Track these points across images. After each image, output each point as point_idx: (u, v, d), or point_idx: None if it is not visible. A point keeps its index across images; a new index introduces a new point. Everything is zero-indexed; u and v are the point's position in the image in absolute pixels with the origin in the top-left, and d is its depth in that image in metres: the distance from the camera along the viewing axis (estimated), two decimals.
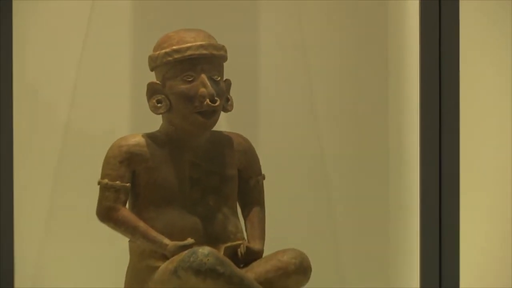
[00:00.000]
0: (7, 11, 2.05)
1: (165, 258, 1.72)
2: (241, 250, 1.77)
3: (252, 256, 1.76)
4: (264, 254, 1.82)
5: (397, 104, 2.35)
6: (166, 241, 1.71)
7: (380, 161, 2.35)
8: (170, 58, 1.72)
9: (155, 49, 1.75)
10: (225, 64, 1.81)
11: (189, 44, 1.71)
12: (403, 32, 2.31)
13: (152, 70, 1.77)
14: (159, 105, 1.74)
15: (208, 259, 1.64)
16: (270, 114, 2.28)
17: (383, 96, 2.36)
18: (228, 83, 1.77)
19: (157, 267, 1.71)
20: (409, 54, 2.26)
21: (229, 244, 1.77)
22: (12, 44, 1.98)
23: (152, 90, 1.73)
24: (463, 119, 2.07)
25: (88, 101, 2.21)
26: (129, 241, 1.78)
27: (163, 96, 1.73)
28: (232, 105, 1.78)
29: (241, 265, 1.76)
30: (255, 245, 1.78)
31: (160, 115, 1.78)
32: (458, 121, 2.06)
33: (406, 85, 2.30)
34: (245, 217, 1.83)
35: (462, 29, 2.20)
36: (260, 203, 1.84)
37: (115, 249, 1.96)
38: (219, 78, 1.73)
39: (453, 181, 2.06)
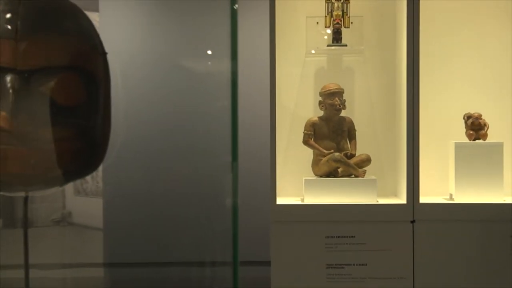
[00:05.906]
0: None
1: (324, 156, 3.46)
2: (348, 153, 3.47)
3: (352, 156, 3.47)
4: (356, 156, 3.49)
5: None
6: (325, 151, 3.44)
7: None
8: (325, 92, 3.52)
9: (321, 89, 3.53)
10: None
11: (332, 88, 3.51)
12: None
13: (320, 96, 3.54)
14: (322, 107, 3.51)
15: (338, 156, 3.46)
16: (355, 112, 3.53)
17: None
18: (344, 100, 3.49)
19: (321, 159, 3.47)
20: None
21: (344, 151, 3.49)
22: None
23: (320, 103, 3.51)
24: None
25: (296, 104, 3.57)
26: (313, 150, 3.49)
27: (323, 104, 3.51)
28: (345, 107, 3.52)
29: (348, 159, 3.44)
30: (353, 152, 3.50)
31: (323, 111, 3.49)
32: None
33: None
34: (349, 142, 3.54)
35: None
36: (355, 138, 3.54)
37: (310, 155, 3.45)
38: (342, 99, 3.51)
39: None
